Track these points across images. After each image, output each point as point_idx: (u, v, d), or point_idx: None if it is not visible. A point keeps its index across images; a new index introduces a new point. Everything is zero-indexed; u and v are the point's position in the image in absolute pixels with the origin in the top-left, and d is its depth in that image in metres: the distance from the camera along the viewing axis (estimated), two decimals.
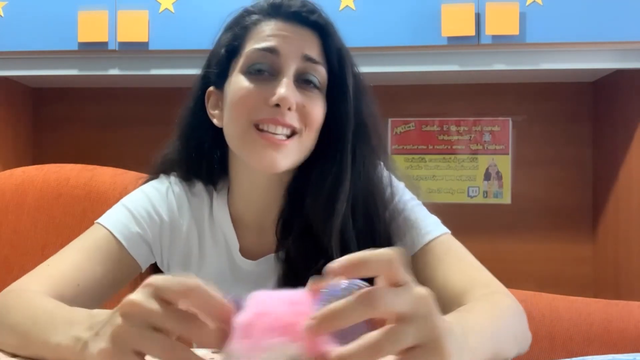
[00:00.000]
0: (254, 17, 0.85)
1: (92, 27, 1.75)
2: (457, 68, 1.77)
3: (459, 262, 0.82)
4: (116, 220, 0.85)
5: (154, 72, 1.83)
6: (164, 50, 1.77)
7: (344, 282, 0.46)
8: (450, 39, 1.70)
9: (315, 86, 0.82)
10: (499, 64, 1.76)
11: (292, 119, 0.79)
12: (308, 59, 0.81)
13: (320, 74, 0.82)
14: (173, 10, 1.76)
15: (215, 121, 0.87)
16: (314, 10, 0.83)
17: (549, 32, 1.68)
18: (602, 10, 1.66)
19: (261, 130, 0.79)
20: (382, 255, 0.44)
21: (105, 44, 1.76)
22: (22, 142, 2.20)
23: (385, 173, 0.88)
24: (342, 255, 0.80)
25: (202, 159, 0.89)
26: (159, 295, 0.45)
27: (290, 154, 0.80)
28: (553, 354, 1.07)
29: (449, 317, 0.64)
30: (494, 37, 1.69)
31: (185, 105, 0.92)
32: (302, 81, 0.81)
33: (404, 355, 0.43)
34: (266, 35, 0.82)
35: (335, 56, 0.84)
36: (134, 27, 1.75)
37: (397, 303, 0.43)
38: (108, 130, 2.24)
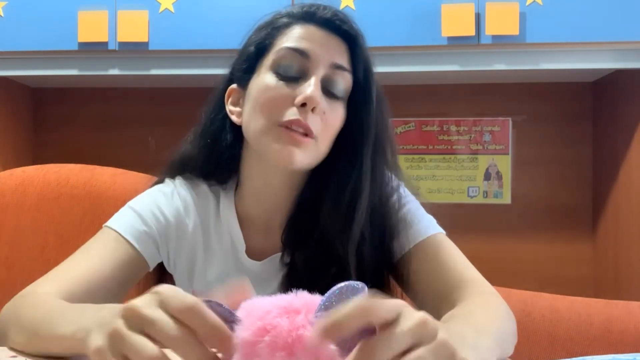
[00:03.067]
0: (287, 20, 0.86)
1: (92, 27, 1.75)
2: (457, 68, 1.77)
3: (449, 261, 0.83)
4: (123, 221, 0.87)
5: (154, 72, 1.83)
6: (164, 50, 1.77)
7: (338, 286, 0.46)
8: (450, 39, 1.70)
9: (339, 97, 0.83)
10: (499, 64, 1.76)
11: (314, 122, 0.80)
12: (337, 66, 0.82)
13: (346, 81, 0.84)
14: (173, 10, 1.76)
15: (233, 118, 0.88)
16: (346, 21, 0.85)
17: (549, 32, 1.68)
18: (602, 10, 1.66)
19: (286, 127, 0.80)
20: (356, 309, 0.43)
21: (105, 44, 1.76)
22: (22, 142, 2.20)
23: (395, 183, 0.90)
24: (357, 266, 0.81)
25: (218, 154, 0.90)
26: (163, 306, 0.45)
27: (307, 153, 0.81)
28: (553, 354, 1.07)
29: (456, 320, 0.65)
30: (494, 37, 1.69)
31: (208, 102, 0.93)
32: (327, 91, 0.82)
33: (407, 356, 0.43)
34: (298, 36, 0.83)
35: (362, 67, 0.85)
36: (134, 27, 1.75)
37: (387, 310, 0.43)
38: (108, 130, 2.24)
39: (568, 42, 1.69)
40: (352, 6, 1.71)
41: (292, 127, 0.79)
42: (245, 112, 0.85)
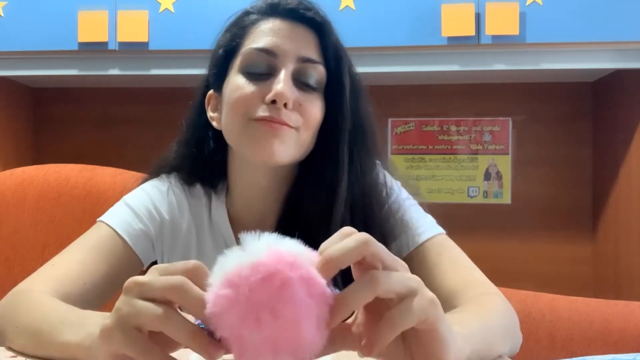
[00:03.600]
0: (253, 17, 0.85)
1: (92, 27, 1.75)
2: (457, 68, 1.77)
3: (452, 264, 0.82)
4: (119, 218, 0.86)
5: (154, 72, 1.83)
6: (164, 50, 1.77)
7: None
8: (450, 39, 1.70)
9: (314, 88, 0.82)
10: (499, 64, 1.76)
11: (289, 117, 0.79)
12: (305, 60, 0.81)
13: (318, 72, 0.82)
14: (173, 10, 1.76)
15: (214, 124, 0.87)
16: (310, 8, 0.83)
17: (549, 32, 1.68)
18: (602, 10, 1.66)
19: (259, 121, 0.79)
20: (356, 240, 0.45)
21: (105, 44, 1.76)
22: (22, 142, 2.20)
23: (382, 174, 0.88)
24: None
25: (203, 161, 0.89)
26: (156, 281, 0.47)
27: (287, 143, 0.79)
28: (553, 354, 1.07)
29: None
30: (494, 37, 1.69)
31: (189, 109, 0.92)
32: (300, 82, 0.81)
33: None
34: (263, 34, 0.82)
35: (333, 55, 0.83)
36: (134, 27, 1.75)
37: (394, 282, 0.45)
38: (108, 130, 2.24)
39: (568, 42, 1.69)
40: (352, 6, 1.71)
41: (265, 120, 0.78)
42: (223, 116, 0.85)
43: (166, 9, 1.76)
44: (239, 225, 0.89)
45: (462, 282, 0.79)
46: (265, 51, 0.81)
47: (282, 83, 0.78)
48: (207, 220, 0.90)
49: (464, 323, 0.59)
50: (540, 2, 1.68)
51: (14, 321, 0.70)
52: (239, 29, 0.85)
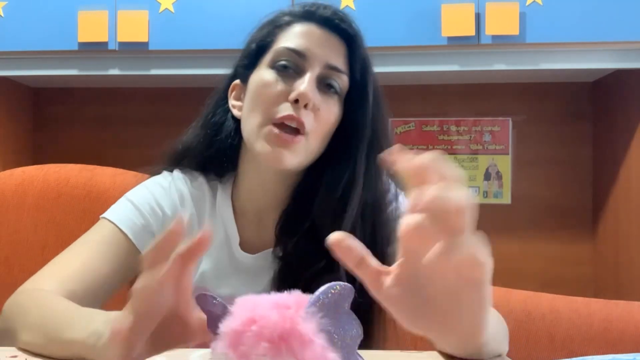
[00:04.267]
0: (288, 18, 0.88)
1: (92, 27, 1.75)
2: (457, 68, 1.77)
3: None
4: (122, 214, 0.87)
5: (154, 72, 1.83)
6: (164, 50, 1.77)
7: (327, 285, 0.46)
8: (450, 39, 1.70)
9: (335, 91, 0.85)
10: (499, 64, 1.76)
11: (306, 118, 0.82)
12: (332, 67, 0.84)
13: (342, 81, 0.86)
14: (173, 10, 1.76)
15: (235, 111, 0.90)
16: (345, 20, 0.87)
17: (549, 32, 1.68)
18: (602, 10, 1.66)
19: (277, 127, 0.81)
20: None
21: (105, 44, 1.76)
22: (22, 142, 2.20)
23: (390, 184, 0.91)
24: None
25: (217, 147, 0.91)
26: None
27: (297, 153, 0.83)
28: (553, 354, 1.07)
29: None
30: (494, 37, 1.69)
31: (211, 96, 0.95)
32: (324, 85, 0.85)
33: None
34: (296, 35, 0.85)
35: (360, 66, 0.87)
36: (134, 27, 1.75)
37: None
38: (108, 130, 2.24)
39: (568, 42, 1.69)
40: (352, 6, 1.71)
41: (285, 122, 0.81)
42: (244, 106, 0.88)
43: (166, 9, 1.76)
44: (242, 216, 0.91)
45: None
46: (296, 52, 0.84)
47: (306, 84, 0.81)
48: (209, 210, 0.91)
49: None
50: (540, 2, 1.68)
51: (22, 320, 0.71)
52: (273, 28, 0.89)
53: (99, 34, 1.75)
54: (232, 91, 0.92)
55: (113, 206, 0.89)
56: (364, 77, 0.87)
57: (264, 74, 0.85)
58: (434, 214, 0.43)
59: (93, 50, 1.78)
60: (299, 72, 0.84)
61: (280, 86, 0.83)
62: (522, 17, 1.68)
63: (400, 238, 0.46)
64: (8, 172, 1.26)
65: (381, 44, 1.70)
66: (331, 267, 0.80)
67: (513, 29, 1.67)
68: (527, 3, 1.68)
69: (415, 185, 0.44)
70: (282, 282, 0.84)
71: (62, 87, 2.24)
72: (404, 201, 0.90)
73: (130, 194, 0.90)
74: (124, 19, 1.75)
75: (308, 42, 0.85)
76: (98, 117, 2.25)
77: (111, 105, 2.24)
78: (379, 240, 0.85)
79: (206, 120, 0.93)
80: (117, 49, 1.76)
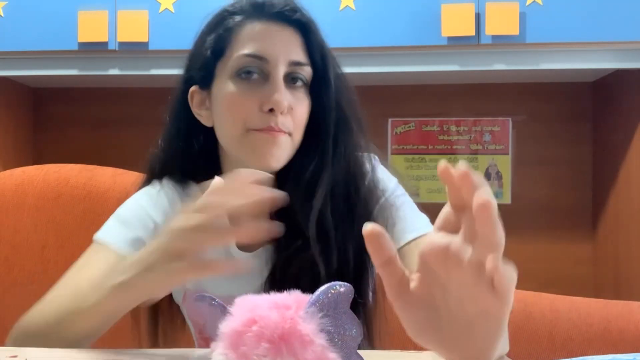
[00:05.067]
0: (237, 18, 0.86)
1: (92, 27, 1.75)
2: (457, 68, 1.77)
3: None
4: (114, 233, 0.86)
5: (154, 72, 1.83)
6: (164, 50, 1.77)
7: (327, 285, 0.46)
8: (450, 39, 1.70)
9: (302, 83, 0.86)
10: (499, 64, 1.76)
11: (285, 123, 0.82)
12: (295, 63, 0.84)
13: (306, 72, 0.86)
14: (173, 10, 1.76)
15: (202, 120, 0.89)
16: (296, 10, 0.86)
17: (549, 32, 1.68)
18: (602, 10, 1.66)
19: (258, 130, 0.82)
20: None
21: (105, 44, 1.76)
22: (22, 142, 2.20)
23: (379, 167, 0.90)
24: (319, 239, 0.82)
25: (194, 159, 0.90)
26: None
27: (284, 149, 0.83)
28: (553, 354, 1.07)
29: None
30: (494, 37, 1.69)
31: (170, 106, 0.93)
32: (290, 79, 0.85)
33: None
34: (251, 38, 0.84)
35: (318, 53, 0.86)
36: (134, 27, 1.75)
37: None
38: (108, 130, 2.24)
39: (568, 42, 1.69)
40: (352, 6, 1.71)
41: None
42: (215, 116, 0.87)
43: (166, 9, 1.76)
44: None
45: None
46: (257, 57, 0.83)
47: (277, 92, 0.81)
48: None
49: None
50: (540, 2, 1.68)
51: (35, 323, 0.72)
52: (224, 31, 0.86)
53: (99, 34, 1.75)
54: (191, 98, 0.90)
55: (104, 227, 0.88)
56: (324, 61, 0.86)
57: (229, 87, 0.84)
58: (478, 223, 0.41)
59: (93, 50, 1.78)
60: (264, 77, 0.83)
61: (250, 96, 0.82)
62: (522, 17, 1.68)
63: (422, 256, 0.45)
64: (8, 172, 1.26)
65: (381, 44, 1.69)
66: (307, 246, 0.81)
67: (513, 29, 1.67)
68: (527, 3, 1.68)
69: (455, 195, 0.44)
70: (279, 279, 0.83)
71: (62, 87, 2.24)
72: (396, 188, 0.91)
73: (119, 210, 0.90)
74: (124, 19, 1.75)
75: (266, 44, 0.83)
76: (98, 117, 2.25)
77: (111, 105, 2.24)
78: (356, 218, 0.84)
79: (174, 134, 0.91)
80: (117, 49, 1.76)
